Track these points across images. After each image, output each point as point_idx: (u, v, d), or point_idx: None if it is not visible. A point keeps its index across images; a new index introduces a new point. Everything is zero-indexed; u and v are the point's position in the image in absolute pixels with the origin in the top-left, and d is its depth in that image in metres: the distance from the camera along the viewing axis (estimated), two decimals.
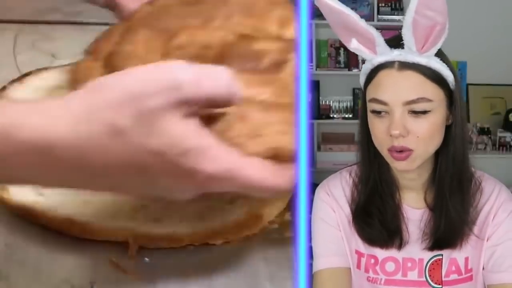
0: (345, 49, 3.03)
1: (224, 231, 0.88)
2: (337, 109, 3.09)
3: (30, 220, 0.87)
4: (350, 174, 0.99)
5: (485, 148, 3.09)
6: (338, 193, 0.98)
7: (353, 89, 3.08)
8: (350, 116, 3.08)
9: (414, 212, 0.96)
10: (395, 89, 0.87)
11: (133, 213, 0.87)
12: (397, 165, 0.89)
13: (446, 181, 0.92)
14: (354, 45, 0.91)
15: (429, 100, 0.87)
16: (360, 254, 0.96)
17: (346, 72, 3.06)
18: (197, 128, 0.67)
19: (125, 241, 0.85)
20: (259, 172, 0.71)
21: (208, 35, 0.87)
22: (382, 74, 0.89)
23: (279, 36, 0.90)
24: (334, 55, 3.03)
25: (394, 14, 3.00)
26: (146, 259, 0.86)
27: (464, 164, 0.94)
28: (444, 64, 0.90)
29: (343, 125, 3.09)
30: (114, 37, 0.93)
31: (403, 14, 3.02)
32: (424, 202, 0.96)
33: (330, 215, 0.97)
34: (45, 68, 1.14)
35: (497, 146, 3.11)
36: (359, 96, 3.03)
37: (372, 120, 0.90)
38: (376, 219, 0.95)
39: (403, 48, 0.88)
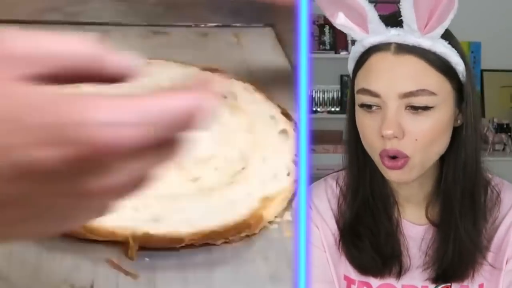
0: (332, 26, 2.54)
1: (224, 231, 0.88)
2: (321, 101, 2.58)
3: None
4: (337, 182, 0.84)
5: (503, 149, 2.67)
6: (322, 205, 0.83)
7: (341, 76, 2.62)
8: (337, 109, 2.61)
9: (415, 228, 0.81)
10: (390, 78, 0.71)
11: (133, 213, 0.87)
12: (390, 175, 0.74)
13: (455, 195, 0.77)
14: (340, 21, 0.75)
15: (432, 93, 0.71)
16: (350, 281, 0.80)
17: (332, 55, 2.58)
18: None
19: (125, 241, 0.85)
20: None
21: None
22: (375, 59, 0.73)
23: None
24: (318, 34, 2.51)
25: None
26: (146, 259, 0.86)
27: (478, 175, 0.77)
28: (452, 48, 0.74)
29: (329, 121, 2.59)
30: None
31: None
32: (426, 218, 0.81)
33: (313, 232, 0.80)
34: None
35: None
36: (348, 84, 2.56)
37: (361, 116, 0.75)
38: (367, 241, 0.78)
39: (401, 27, 0.73)
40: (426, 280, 0.79)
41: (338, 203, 0.82)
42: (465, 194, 0.77)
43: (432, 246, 0.79)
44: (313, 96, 2.48)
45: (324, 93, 2.58)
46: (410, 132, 0.71)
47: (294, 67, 1.29)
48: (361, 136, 0.76)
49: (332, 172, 0.86)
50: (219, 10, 1.48)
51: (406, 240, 0.80)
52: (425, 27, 0.71)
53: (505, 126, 2.60)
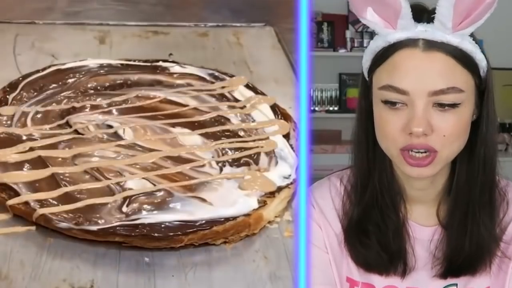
0: (329, 24, 2.40)
1: (224, 231, 0.88)
2: (319, 100, 2.50)
3: (30, 220, 0.87)
4: (341, 181, 0.80)
5: (506, 149, 2.58)
6: (326, 205, 0.79)
7: (339, 75, 2.51)
8: (336, 108, 2.52)
9: (422, 230, 0.78)
10: (419, 75, 0.70)
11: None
12: (410, 171, 0.72)
13: (473, 191, 0.75)
14: (369, 16, 0.72)
15: (460, 91, 0.70)
16: (353, 283, 0.78)
17: (330, 53, 2.46)
18: None
19: (124, 241, 0.85)
20: None
21: None
22: (402, 55, 0.71)
23: None
24: (316, 31, 2.40)
25: None
26: (146, 259, 0.86)
27: (495, 171, 0.76)
28: (476, 45, 0.73)
29: (327, 120, 2.50)
30: None
31: None
32: (437, 217, 0.78)
33: (315, 233, 0.78)
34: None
35: None
36: (347, 83, 2.41)
37: (383, 113, 0.72)
38: (373, 238, 0.76)
39: (428, 22, 0.71)
40: (433, 277, 0.77)
41: (342, 202, 0.79)
42: (484, 191, 0.75)
43: (440, 246, 0.77)
44: (311, 95, 2.41)
45: (322, 92, 2.53)
46: (438, 128, 0.70)
47: (294, 66, 1.29)
48: (379, 132, 0.73)
49: (335, 172, 0.83)
50: (219, 10, 1.48)
51: (412, 241, 0.77)
52: (459, 24, 0.70)
53: (507, 125, 2.59)
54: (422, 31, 0.70)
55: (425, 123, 0.69)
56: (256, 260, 0.87)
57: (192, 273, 0.84)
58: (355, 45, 2.47)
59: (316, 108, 2.47)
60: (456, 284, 0.77)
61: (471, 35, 0.72)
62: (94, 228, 0.85)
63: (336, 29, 2.43)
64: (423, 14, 0.71)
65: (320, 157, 2.26)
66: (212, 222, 0.87)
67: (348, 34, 2.45)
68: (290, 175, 0.97)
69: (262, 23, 1.46)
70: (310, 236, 0.63)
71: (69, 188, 0.89)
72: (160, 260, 0.86)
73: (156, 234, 0.85)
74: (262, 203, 0.92)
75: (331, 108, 2.53)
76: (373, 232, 0.76)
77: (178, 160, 0.97)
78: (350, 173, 0.79)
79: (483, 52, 0.73)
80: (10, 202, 0.88)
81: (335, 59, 2.49)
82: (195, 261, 0.86)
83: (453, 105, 0.70)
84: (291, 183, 0.96)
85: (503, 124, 2.54)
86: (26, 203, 0.87)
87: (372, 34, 0.75)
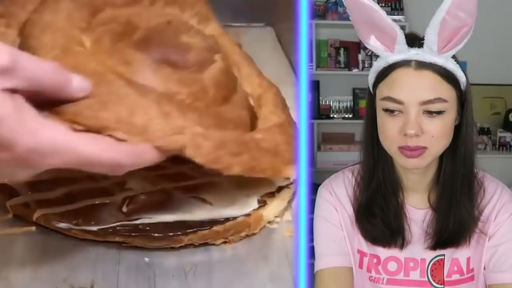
0: (345, 49, 3.09)
1: (224, 231, 0.88)
2: (337, 109, 3.16)
3: (30, 220, 0.87)
4: (352, 174, 0.99)
5: (485, 148, 3.10)
6: (341, 192, 0.99)
7: (353, 89, 3.12)
8: (350, 116, 3.14)
9: (417, 212, 0.97)
10: (412, 89, 0.89)
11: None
12: (406, 162, 0.90)
13: (456, 182, 0.95)
14: (372, 42, 0.91)
15: (445, 101, 0.89)
16: (362, 254, 0.98)
17: (346, 72, 3.10)
18: (13, 101, 0.63)
19: (124, 241, 0.85)
20: (91, 146, 0.68)
21: (135, 14, 0.86)
22: (398, 73, 0.89)
23: (200, 31, 0.93)
24: (334, 55, 3.11)
25: (394, 14, 2.98)
26: (146, 259, 0.86)
27: (473, 165, 0.96)
28: (457, 65, 0.92)
29: (343, 125, 3.13)
30: (29, 3, 0.87)
31: (403, 14, 3.01)
32: (428, 202, 0.97)
33: (333, 214, 0.97)
34: None
35: (497, 146, 3.13)
36: (360, 96, 3.17)
37: (384, 119, 0.90)
38: (378, 218, 0.96)
39: (419, 47, 0.90)
40: (425, 249, 0.96)
41: (353, 190, 0.98)
42: (464, 180, 0.95)
43: (431, 224, 0.96)
44: (331, 105, 3.17)
45: (339, 103, 3.17)
46: (428, 131, 0.88)
47: (294, 66, 1.29)
48: (381, 134, 0.92)
49: (348, 166, 1.02)
50: (219, 10, 1.48)
51: (409, 221, 0.97)
52: (443, 48, 0.90)
53: (486, 129, 3.15)
54: (414, 53, 0.89)
55: (416, 126, 0.88)
56: (256, 260, 0.87)
57: (192, 273, 0.84)
58: (366, 65, 3.07)
59: (335, 116, 3.18)
60: (444, 254, 0.96)
61: (453, 57, 0.91)
62: (94, 228, 0.85)
63: (350, 53, 3.12)
64: (415, 41, 0.90)
65: (338, 154, 2.99)
66: (212, 222, 0.87)
67: (360, 57, 3.08)
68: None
69: (262, 23, 1.46)
70: (328, 216, 0.97)
71: (69, 188, 0.89)
72: (160, 260, 0.86)
73: (156, 234, 0.85)
74: (262, 203, 0.92)
75: (346, 116, 3.19)
76: (378, 213, 0.96)
77: (178, 160, 0.97)
78: (360, 167, 0.99)
79: (463, 70, 0.93)
80: (10, 202, 0.88)
81: (349, 77, 3.13)
82: (195, 261, 0.86)
83: (439, 112, 0.89)
84: (291, 183, 0.97)
85: (482, 128, 3.12)
86: (26, 203, 0.88)
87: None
